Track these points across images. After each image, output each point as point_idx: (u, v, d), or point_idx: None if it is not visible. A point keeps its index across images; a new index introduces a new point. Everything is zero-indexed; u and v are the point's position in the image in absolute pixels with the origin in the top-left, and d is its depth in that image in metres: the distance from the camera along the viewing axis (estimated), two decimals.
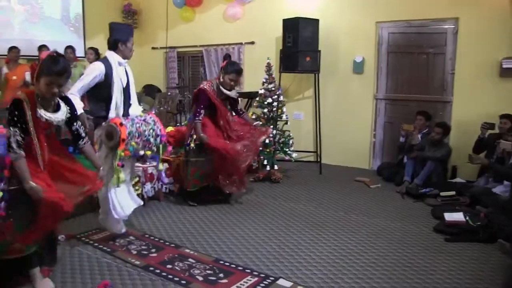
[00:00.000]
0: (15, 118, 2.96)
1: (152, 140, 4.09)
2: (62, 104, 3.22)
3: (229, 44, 8.47)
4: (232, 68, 5.16)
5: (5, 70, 7.47)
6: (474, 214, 4.56)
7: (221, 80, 5.17)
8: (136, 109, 4.25)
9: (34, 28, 8.47)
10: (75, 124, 3.36)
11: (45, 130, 3.11)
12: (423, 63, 6.72)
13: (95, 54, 7.63)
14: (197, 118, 5.12)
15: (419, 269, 3.64)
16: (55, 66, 2.97)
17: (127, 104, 4.14)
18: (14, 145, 2.95)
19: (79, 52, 8.45)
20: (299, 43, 6.89)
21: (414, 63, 6.80)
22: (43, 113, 3.03)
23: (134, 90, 4.30)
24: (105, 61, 4.02)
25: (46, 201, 2.94)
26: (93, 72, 3.93)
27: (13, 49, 7.49)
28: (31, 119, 2.98)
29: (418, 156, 5.97)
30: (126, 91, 4.13)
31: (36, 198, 2.93)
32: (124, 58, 4.11)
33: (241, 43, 8.33)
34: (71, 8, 8.94)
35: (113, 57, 4.04)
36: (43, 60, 3.02)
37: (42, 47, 7.39)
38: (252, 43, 8.24)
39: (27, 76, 7.31)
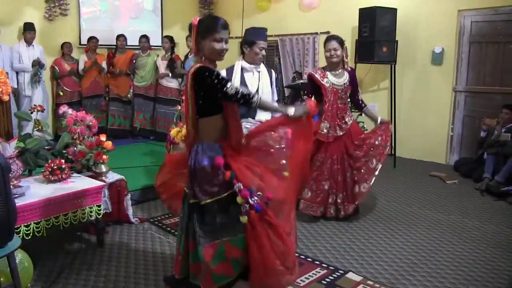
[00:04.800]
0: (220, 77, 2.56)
1: None
2: None
3: (304, 34, 8.40)
4: (330, 37, 4.47)
5: (85, 58, 7.86)
6: None
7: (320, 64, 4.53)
8: (262, 115, 3.85)
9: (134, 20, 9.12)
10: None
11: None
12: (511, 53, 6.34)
13: (170, 43, 7.87)
14: None
15: (500, 273, 3.45)
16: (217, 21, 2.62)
17: (253, 110, 3.77)
18: (244, 91, 2.59)
19: (157, 41, 8.77)
20: (376, 33, 6.72)
21: (501, 53, 6.42)
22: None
23: (267, 95, 4.03)
24: (230, 69, 3.93)
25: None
26: None
27: (92, 39, 7.89)
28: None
29: (499, 151, 5.68)
30: None
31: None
32: (250, 63, 3.94)
33: (316, 33, 8.23)
34: None
35: (238, 64, 3.94)
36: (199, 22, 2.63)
37: (119, 36, 8.06)
38: (328, 33, 8.10)
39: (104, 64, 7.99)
